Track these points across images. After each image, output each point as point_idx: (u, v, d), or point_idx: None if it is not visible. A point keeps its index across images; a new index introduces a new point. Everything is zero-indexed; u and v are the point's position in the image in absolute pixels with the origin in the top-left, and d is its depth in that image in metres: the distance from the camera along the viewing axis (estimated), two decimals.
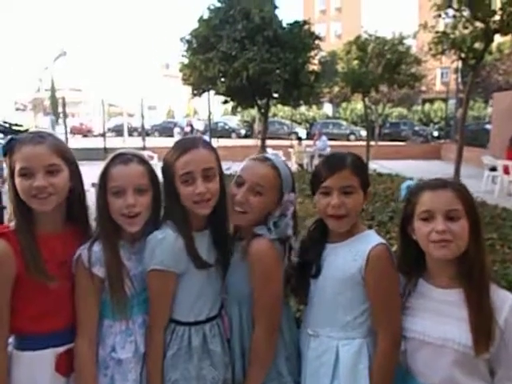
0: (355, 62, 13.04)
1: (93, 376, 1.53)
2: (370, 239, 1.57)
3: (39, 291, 1.49)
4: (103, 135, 19.71)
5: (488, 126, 17.76)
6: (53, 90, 30.05)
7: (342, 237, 1.62)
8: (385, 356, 1.51)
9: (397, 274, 1.56)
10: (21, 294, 1.48)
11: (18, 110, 35.08)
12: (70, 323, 1.55)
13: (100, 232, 1.57)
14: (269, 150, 12.75)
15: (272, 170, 1.61)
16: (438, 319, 1.45)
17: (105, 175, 1.55)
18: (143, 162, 1.61)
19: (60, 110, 20.87)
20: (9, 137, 1.53)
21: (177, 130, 26.60)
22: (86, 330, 1.54)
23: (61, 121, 20.81)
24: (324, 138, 15.60)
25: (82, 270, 1.52)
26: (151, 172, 1.61)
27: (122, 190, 1.54)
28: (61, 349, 1.53)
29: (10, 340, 1.53)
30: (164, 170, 1.60)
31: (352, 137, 28.14)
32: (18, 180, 1.47)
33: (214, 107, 25.68)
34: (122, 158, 1.58)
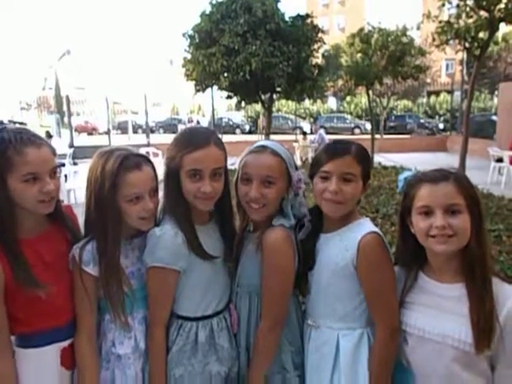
0: (359, 54, 12.93)
1: (93, 370, 1.53)
2: (362, 228, 1.52)
3: (33, 297, 1.45)
4: (108, 133, 19.77)
5: (494, 118, 17.58)
6: (57, 88, 30.15)
7: (336, 226, 1.58)
8: (380, 346, 1.48)
9: (390, 263, 1.51)
10: (16, 302, 1.45)
11: (22, 109, 35.19)
12: (71, 317, 1.55)
13: (101, 233, 1.51)
14: None
15: (274, 156, 1.57)
16: (439, 315, 1.40)
17: (116, 180, 1.47)
18: (149, 161, 1.58)
19: (65, 108, 20.92)
20: None
21: (181, 126, 26.71)
22: (84, 326, 1.54)
23: (66, 119, 20.89)
24: (321, 131, 15.54)
25: (76, 269, 1.51)
26: (155, 170, 1.58)
27: (140, 195, 1.51)
28: (65, 343, 1.53)
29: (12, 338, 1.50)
30: (169, 160, 1.54)
31: (357, 130, 28.04)
32: (21, 185, 1.39)
33: (218, 103, 25.65)
34: (132, 161, 1.50)
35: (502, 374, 1.35)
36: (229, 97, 13.48)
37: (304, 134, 15.84)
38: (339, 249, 1.53)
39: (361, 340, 1.52)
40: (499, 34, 23.51)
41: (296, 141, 16.15)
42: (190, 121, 26.17)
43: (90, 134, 32.88)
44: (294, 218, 1.62)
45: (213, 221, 1.68)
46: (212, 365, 1.58)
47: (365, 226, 1.53)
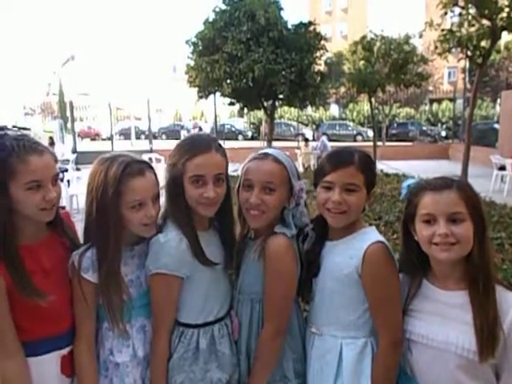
0: (361, 62, 12.98)
1: (92, 378, 1.52)
2: (368, 237, 1.51)
3: (35, 305, 1.43)
4: (111, 139, 19.84)
5: (496, 126, 17.57)
6: (61, 94, 30.31)
7: (341, 234, 1.57)
8: (383, 356, 1.47)
9: (396, 273, 1.50)
10: (17, 310, 1.42)
11: (26, 114, 35.40)
12: (71, 324, 1.54)
13: (102, 240, 1.49)
14: None
15: (276, 164, 1.57)
16: (443, 322, 1.40)
17: (120, 187, 1.45)
18: (151, 167, 1.57)
19: (68, 113, 21.02)
20: None
21: (184, 132, 26.84)
22: (83, 333, 1.53)
23: (69, 125, 21.01)
24: (323, 138, 15.56)
25: (75, 276, 1.50)
26: (156, 176, 1.58)
27: (143, 202, 1.49)
28: (65, 351, 1.52)
29: None
30: (171, 167, 1.53)
31: (359, 137, 28.06)
32: (24, 193, 1.38)
33: (221, 109, 25.75)
34: (135, 168, 1.49)
35: (507, 383, 1.34)
36: (231, 103, 13.55)
37: (306, 140, 15.86)
38: (344, 257, 1.52)
39: (364, 349, 1.51)
40: (501, 43, 23.59)
41: (298, 147, 16.16)
42: (195, 126, 26.18)
43: (92, 139, 33.06)
44: (295, 227, 1.61)
45: (212, 227, 1.68)
46: (213, 372, 1.57)
47: (370, 235, 1.53)
